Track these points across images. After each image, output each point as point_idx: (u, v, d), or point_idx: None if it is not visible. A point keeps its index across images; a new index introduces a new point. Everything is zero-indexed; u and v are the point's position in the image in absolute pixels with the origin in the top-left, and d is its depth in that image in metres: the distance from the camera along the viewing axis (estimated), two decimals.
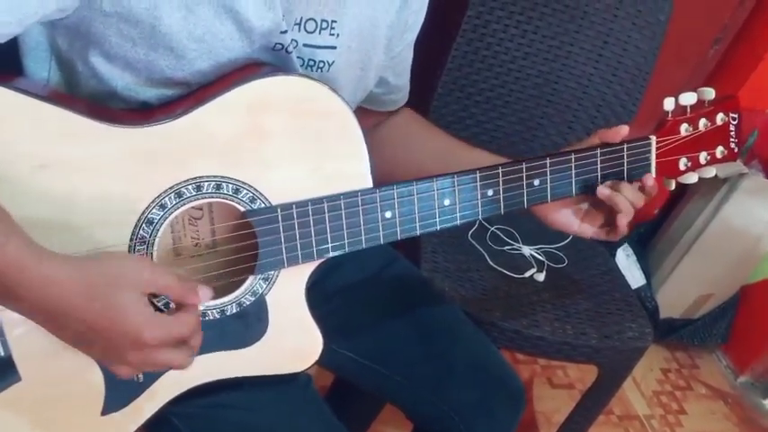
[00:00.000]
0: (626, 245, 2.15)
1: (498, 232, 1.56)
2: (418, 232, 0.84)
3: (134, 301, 0.66)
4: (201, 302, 0.71)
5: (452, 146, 1.04)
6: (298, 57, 0.81)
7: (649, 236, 2.27)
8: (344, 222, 0.80)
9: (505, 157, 0.98)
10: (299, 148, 0.76)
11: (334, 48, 0.83)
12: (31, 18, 0.66)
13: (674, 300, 2.19)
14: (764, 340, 2.15)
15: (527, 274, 1.48)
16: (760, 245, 2.08)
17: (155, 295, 0.74)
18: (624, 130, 0.91)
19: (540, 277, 1.47)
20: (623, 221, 0.90)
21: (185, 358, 0.71)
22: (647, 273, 2.19)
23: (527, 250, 1.54)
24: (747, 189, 1.99)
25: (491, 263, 1.48)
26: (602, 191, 0.91)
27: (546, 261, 1.52)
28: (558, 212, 0.95)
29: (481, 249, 1.50)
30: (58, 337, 0.68)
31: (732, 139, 0.97)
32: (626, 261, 2.13)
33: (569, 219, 0.95)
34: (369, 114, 1.03)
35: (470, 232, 1.54)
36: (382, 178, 0.97)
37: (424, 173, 0.85)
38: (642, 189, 0.92)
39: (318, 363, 0.89)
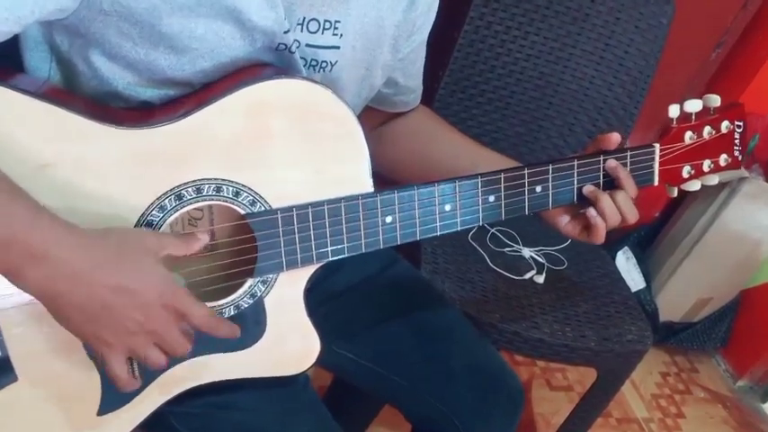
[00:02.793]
0: (626, 248, 2.15)
1: (498, 234, 1.56)
2: (418, 237, 0.84)
3: (156, 265, 0.69)
4: (204, 244, 0.73)
5: (469, 146, 1.04)
6: (300, 57, 0.80)
7: (649, 239, 2.27)
8: (344, 226, 0.80)
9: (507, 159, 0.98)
10: (301, 151, 0.76)
11: (338, 48, 0.83)
12: (28, 18, 0.65)
13: (674, 303, 2.19)
14: (763, 344, 2.15)
15: (527, 276, 1.48)
16: (760, 249, 2.08)
17: None
18: (616, 137, 0.91)
19: (540, 279, 1.47)
20: (599, 221, 0.89)
21: (189, 345, 0.72)
22: (647, 276, 2.19)
23: (527, 252, 1.54)
24: (748, 193, 1.99)
25: (491, 264, 1.48)
26: (588, 188, 0.91)
27: (546, 263, 1.52)
28: (553, 209, 0.95)
29: (481, 251, 1.50)
30: (78, 313, 0.66)
31: (736, 147, 0.97)
32: (626, 264, 2.13)
33: (561, 216, 0.95)
34: (380, 114, 1.04)
35: (471, 234, 1.54)
36: (394, 175, 0.97)
37: (440, 170, 0.84)
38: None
39: (317, 363, 0.89)
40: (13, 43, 0.74)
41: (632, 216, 0.91)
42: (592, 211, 0.90)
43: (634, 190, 0.90)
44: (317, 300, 0.86)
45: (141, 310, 0.67)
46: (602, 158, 0.90)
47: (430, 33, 0.97)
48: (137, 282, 0.67)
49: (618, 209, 0.90)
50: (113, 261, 0.66)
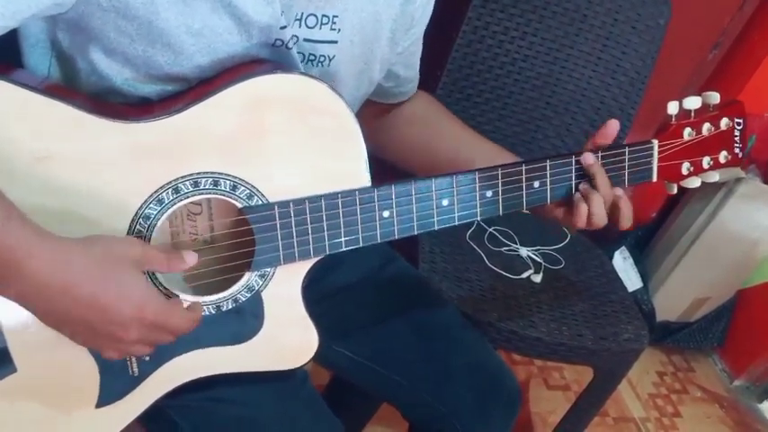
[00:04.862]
0: (623, 248, 2.15)
1: (496, 233, 1.57)
2: (416, 231, 0.84)
3: (137, 278, 0.68)
4: (189, 265, 0.73)
5: (469, 139, 1.04)
6: (298, 52, 0.81)
7: (647, 239, 2.28)
8: (342, 221, 0.80)
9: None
10: (298, 146, 0.76)
11: (336, 42, 0.83)
12: (25, 12, 0.65)
13: (671, 303, 2.20)
14: (760, 344, 2.15)
15: (524, 276, 1.48)
16: (757, 249, 2.08)
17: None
18: (614, 124, 0.91)
19: (538, 278, 1.47)
20: (581, 203, 0.89)
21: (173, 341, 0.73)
22: (644, 276, 2.19)
23: (524, 251, 1.54)
24: (744, 193, 1.99)
25: (489, 264, 1.48)
26: (583, 186, 0.90)
27: (543, 262, 1.53)
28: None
29: (479, 250, 1.51)
30: (56, 320, 0.67)
31: (736, 144, 0.97)
32: (623, 264, 2.14)
33: (558, 208, 0.94)
34: (380, 106, 1.05)
35: (468, 233, 1.54)
36: (397, 163, 0.97)
37: (440, 161, 0.85)
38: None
39: (315, 361, 0.89)
40: (12, 41, 0.74)
41: (600, 220, 0.89)
42: (577, 194, 0.90)
43: (606, 189, 0.89)
44: (314, 298, 0.86)
45: (118, 325, 0.67)
46: (600, 155, 0.91)
47: (427, 33, 0.98)
48: (114, 297, 0.66)
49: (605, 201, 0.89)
50: (92, 274, 0.65)
